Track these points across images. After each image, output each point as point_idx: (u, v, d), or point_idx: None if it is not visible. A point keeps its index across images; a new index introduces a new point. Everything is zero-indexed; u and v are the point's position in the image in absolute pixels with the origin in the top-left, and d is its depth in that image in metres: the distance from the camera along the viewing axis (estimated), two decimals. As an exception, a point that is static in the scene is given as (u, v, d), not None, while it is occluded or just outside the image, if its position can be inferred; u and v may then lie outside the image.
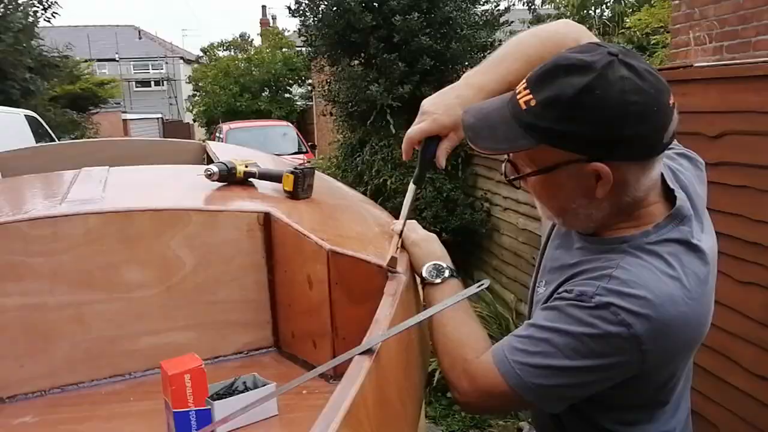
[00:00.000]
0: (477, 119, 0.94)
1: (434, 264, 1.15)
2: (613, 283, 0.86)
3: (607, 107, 0.82)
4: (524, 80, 0.89)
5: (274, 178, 1.58)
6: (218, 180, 1.53)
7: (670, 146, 1.00)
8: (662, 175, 0.95)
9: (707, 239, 0.95)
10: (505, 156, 0.97)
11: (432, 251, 1.19)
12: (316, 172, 1.63)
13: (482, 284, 1.02)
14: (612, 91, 0.82)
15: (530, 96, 0.86)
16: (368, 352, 0.78)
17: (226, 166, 1.54)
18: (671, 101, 0.87)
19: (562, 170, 0.88)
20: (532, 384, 0.91)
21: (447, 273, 1.13)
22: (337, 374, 1.21)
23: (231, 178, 1.55)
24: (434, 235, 1.25)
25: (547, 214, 1.00)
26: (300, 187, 1.52)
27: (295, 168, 1.56)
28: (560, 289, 0.95)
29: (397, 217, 1.33)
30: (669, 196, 0.95)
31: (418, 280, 1.20)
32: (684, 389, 1.05)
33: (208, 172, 1.52)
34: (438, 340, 1.06)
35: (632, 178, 0.88)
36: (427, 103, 1.09)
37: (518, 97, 0.89)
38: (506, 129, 0.88)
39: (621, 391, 0.94)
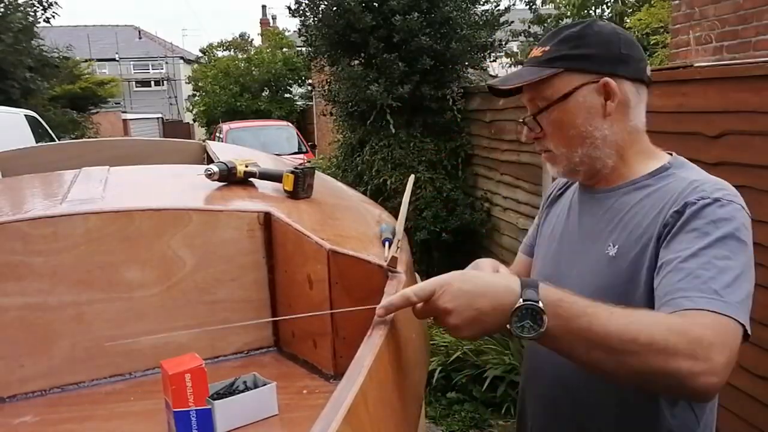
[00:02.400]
0: (501, 78, 1.16)
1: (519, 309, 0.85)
2: (716, 191, 0.98)
3: (605, 34, 1.07)
4: (535, 46, 1.12)
5: (275, 177, 1.58)
6: (218, 180, 1.53)
7: None
8: None
9: None
10: (521, 120, 1.15)
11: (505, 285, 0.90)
12: (316, 171, 1.63)
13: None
14: (605, 27, 1.09)
15: (544, 47, 1.09)
16: (371, 343, 0.78)
17: (227, 165, 1.54)
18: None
19: (579, 93, 1.06)
20: (746, 304, 0.90)
21: (542, 320, 0.84)
22: (337, 374, 1.21)
23: (231, 178, 1.55)
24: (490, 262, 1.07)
25: (565, 160, 1.10)
26: (300, 186, 1.52)
27: (296, 168, 1.57)
28: (671, 219, 0.97)
29: (396, 217, 1.35)
30: None
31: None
32: None
33: (209, 172, 1.52)
34: (635, 351, 0.82)
35: (632, 98, 1.07)
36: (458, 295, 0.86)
37: (533, 54, 1.10)
38: (528, 71, 1.09)
39: None
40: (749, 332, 0.89)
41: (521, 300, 0.82)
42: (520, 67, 1.17)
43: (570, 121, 1.07)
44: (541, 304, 0.82)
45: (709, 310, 0.85)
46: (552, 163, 1.13)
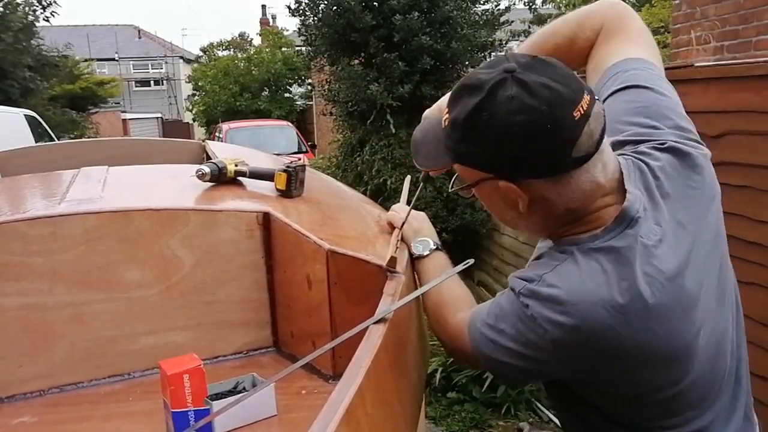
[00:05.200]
0: (421, 135, 1.01)
1: (421, 240, 1.26)
2: (540, 286, 0.88)
3: (494, 127, 0.82)
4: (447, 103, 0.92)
5: (265, 176, 1.57)
6: (210, 180, 1.52)
7: (658, 140, 0.96)
8: (621, 174, 0.91)
9: (669, 248, 0.88)
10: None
11: (419, 229, 1.30)
12: (307, 168, 1.63)
13: (467, 262, 1.11)
14: (498, 112, 0.82)
15: (447, 113, 0.89)
16: (369, 343, 0.78)
17: (217, 166, 1.53)
18: (575, 114, 0.81)
19: (482, 187, 0.92)
20: (486, 355, 0.96)
21: (433, 246, 1.24)
22: (336, 374, 1.20)
23: (222, 178, 1.54)
24: (423, 214, 1.35)
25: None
26: (293, 185, 1.52)
27: (287, 166, 1.56)
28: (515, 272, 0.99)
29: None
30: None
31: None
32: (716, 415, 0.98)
33: (200, 173, 1.51)
34: (429, 300, 1.15)
35: (551, 193, 0.87)
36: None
37: (443, 116, 0.91)
38: (435, 147, 0.93)
39: (601, 398, 0.96)
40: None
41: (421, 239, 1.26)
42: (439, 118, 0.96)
43: (488, 206, 0.98)
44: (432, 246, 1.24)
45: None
46: None
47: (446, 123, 0.89)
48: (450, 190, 1.03)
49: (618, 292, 0.83)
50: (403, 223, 1.29)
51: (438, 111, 1.09)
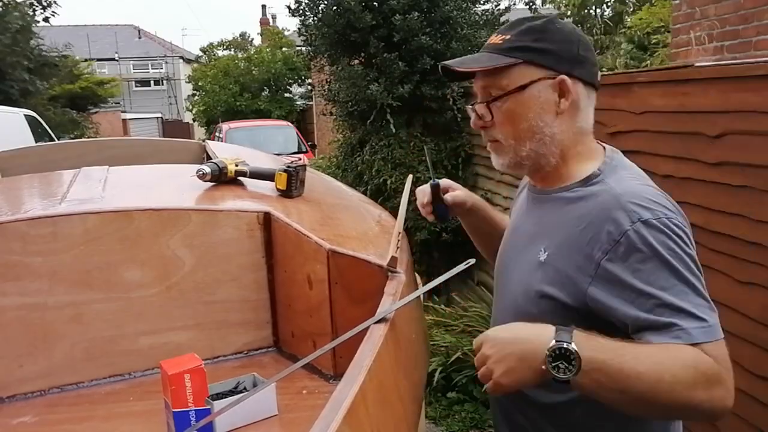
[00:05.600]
0: (458, 60, 1.13)
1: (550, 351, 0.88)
2: (638, 208, 0.96)
3: (566, 33, 1.08)
4: (494, 34, 1.11)
5: (266, 176, 1.57)
6: (210, 180, 1.52)
7: None
8: None
9: None
10: (471, 106, 1.12)
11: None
12: (308, 168, 1.63)
13: (468, 262, 1.11)
14: (566, 26, 1.11)
15: (504, 35, 1.08)
16: (370, 343, 0.78)
17: (218, 165, 1.53)
18: None
19: (535, 87, 1.05)
20: (712, 307, 0.93)
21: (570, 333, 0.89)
22: (337, 374, 1.20)
23: (222, 178, 1.54)
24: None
25: (512, 152, 1.09)
26: (293, 185, 1.52)
27: (288, 166, 1.56)
28: (608, 246, 0.96)
29: (396, 216, 1.35)
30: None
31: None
32: None
33: (200, 173, 1.51)
34: (664, 390, 0.86)
35: (583, 101, 1.08)
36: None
37: (492, 41, 1.10)
38: (488, 57, 1.08)
39: None
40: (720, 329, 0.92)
41: (554, 341, 0.86)
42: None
43: (522, 113, 1.06)
44: (573, 346, 0.85)
45: (702, 342, 0.89)
46: (498, 153, 1.11)
47: (506, 38, 1.07)
48: (473, 104, 1.11)
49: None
50: (403, 224, 1.29)
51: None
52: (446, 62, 1.11)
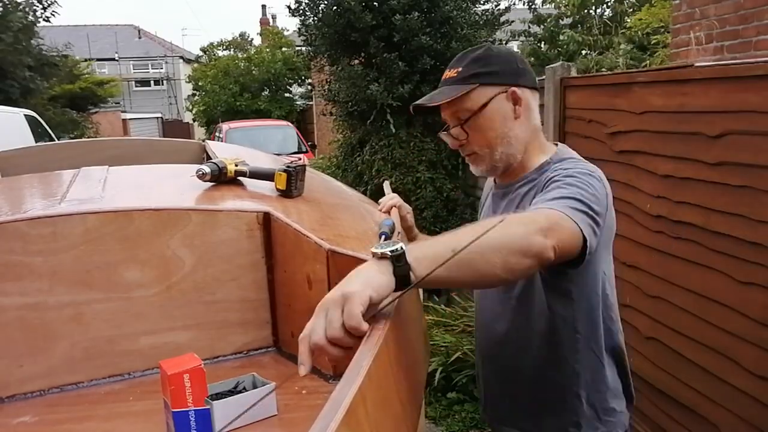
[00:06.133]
0: (425, 98, 1.32)
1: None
2: (570, 162, 1.24)
3: (504, 54, 1.32)
4: (447, 70, 1.31)
5: (265, 176, 1.57)
6: (210, 180, 1.52)
7: None
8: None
9: None
10: (443, 132, 1.34)
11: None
12: (308, 168, 1.63)
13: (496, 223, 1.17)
14: (502, 49, 1.37)
15: (457, 68, 1.29)
16: (370, 343, 0.78)
17: (218, 165, 1.53)
18: None
19: (494, 102, 1.26)
20: (586, 221, 1.07)
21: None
22: (336, 374, 1.20)
23: (222, 178, 1.54)
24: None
25: (488, 159, 1.29)
26: (293, 185, 1.52)
27: (288, 166, 1.56)
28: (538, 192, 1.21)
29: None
30: None
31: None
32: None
33: (200, 173, 1.51)
34: (491, 246, 0.93)
35: (533, 103, 1.30)
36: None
37: (447, 76, 1.30)
38: (449, 89, 1.28)
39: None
40: (586, 238, 1.06)
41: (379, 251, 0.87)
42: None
43: (490, 125, 1.27)
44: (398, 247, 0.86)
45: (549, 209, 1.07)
46: (476, 163, 1.33)
47: (458, 70, 1.28)
48: (446, 129, 1.32)
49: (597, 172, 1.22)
50: (401, 223, 1.36)
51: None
52: (417, 102, 1.33)
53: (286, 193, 1.52)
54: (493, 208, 1.40)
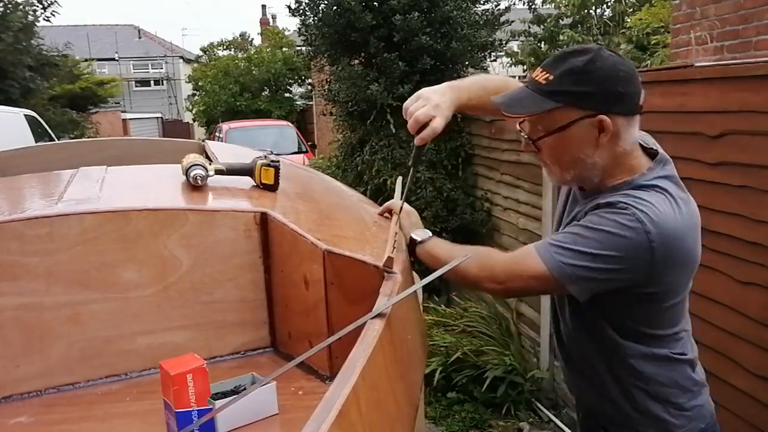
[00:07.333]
0: (505, 98, 1.22)
1: (419, 230, 1.40)
2: (629, 199, 1.14)
3: (606, 71, 1.14)
4: (539, 66, 1.19)
5: (243, 172, 1.56)
6: (205, 182, 1.50)
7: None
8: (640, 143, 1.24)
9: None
10: (523, 135, 1.24)
11: (416, 222, 1.44)
12: (306, 167, 1.63)
13: (466, 257, 1.22)
14: (607, 63, 1.14)
15: (548, 74, 1.16)
16: (364, 343, 0.78)
17: (204, 166, 1.50)
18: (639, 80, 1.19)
19: (576, 126, 1.15)
20: (563, 263, 1.13)
21: (430, 233, 1.38)
22: (333, 374, 1.20)
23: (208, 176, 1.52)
24: (414, 210, 1.48)
25: (558, 174, 1.24)
26: (279, 179, 1.53)
27: (271, 161, 1.54)
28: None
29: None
30: (647, 155, 1.25)
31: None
32: (686, 321, 1.29)
33: (196, 180, 1.47)
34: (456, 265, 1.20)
35: (623, 130, 1.17)
36: (427, 91, 1.31)
37: (537, 77, 1.18)
38: (531, 100, 1.17)
39: (636, 304, 1.18)
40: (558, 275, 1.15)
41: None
42: (521, 86, 1.26)
43: (564, 148, 1.19)
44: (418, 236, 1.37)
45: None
46: (548, 173, 1.29)
47: (549, 78, 1.15)
48: (529, 145, 1.24)
49: (676, 205, 1.15)
50: (398, 222, 1.35)
51: (436, 89, 1.32)
52: (495, 100, 1.23)
53: (273, 188, 1.51)
54: (570, 208, 1.35)
